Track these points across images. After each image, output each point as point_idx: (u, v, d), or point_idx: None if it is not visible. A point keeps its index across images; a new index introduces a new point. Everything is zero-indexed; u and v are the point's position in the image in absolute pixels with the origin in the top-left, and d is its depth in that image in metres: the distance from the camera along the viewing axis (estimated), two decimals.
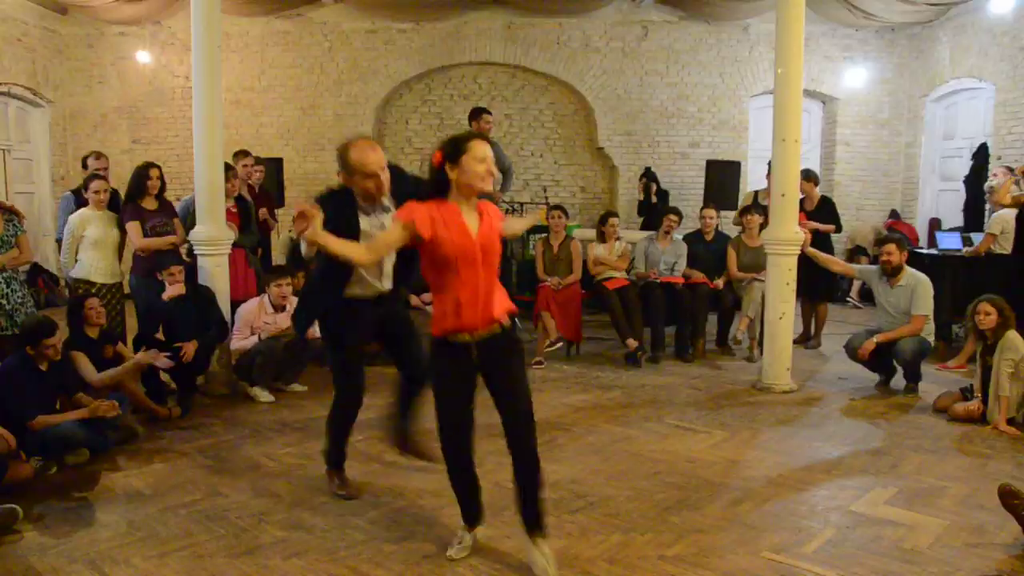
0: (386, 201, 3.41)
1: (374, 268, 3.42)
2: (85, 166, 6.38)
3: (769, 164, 8.27)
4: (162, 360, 4.99)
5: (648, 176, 9.89)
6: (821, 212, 7.23)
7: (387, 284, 3.55)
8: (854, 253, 9.89)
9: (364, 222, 3.37)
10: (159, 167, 5.70)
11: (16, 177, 9.60)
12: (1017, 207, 6.49)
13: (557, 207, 7.04)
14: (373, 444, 4.44)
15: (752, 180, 10.04)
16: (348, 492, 3.70)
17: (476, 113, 7.15)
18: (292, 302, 5.73)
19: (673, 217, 7.09)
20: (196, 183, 5.58)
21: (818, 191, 7.36)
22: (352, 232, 3.23)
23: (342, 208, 3.31)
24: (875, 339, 5.62)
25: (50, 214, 9.79)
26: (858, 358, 5.77)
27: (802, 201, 7.19)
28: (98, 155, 6.35)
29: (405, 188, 3.32)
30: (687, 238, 7.23)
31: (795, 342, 7.33)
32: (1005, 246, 6.77)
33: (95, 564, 3.01)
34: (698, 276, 6.94)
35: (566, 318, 6.61)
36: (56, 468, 4.02)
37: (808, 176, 7.05)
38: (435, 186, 2.83)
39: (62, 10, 9.92)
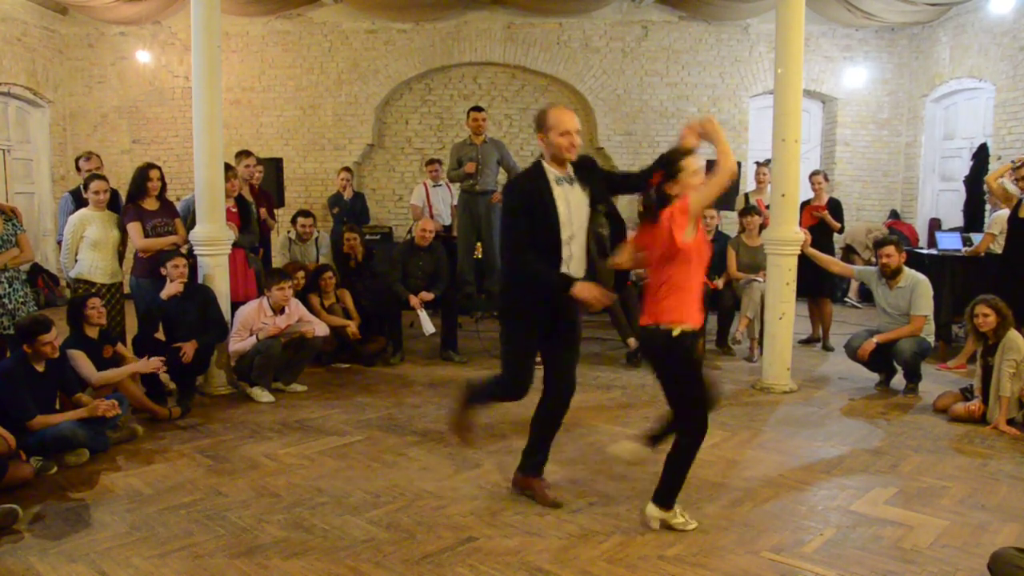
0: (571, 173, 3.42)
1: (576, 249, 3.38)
2: (78, 168, 6.36)
3: (757, 164, 8.38)
4: (160, 368, 5.00)
5: None
6: (828, 212, 7.48)
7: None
8: (846, 252, 9.87)
9: (557, 191, 3.35)
10: (159, 168, 5.68)
11: (16, 177, 9.61)
12: (1008, 203, 6.48)
13: None
14: (374, 443, 4.46)
15: (751, 181, 10.01)
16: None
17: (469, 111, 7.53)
18: (292, 305, 5.73)
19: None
20: (196, 183, 5.57)
21: (826, 193, 7.65)
22: (550, 203, 3.30)
23: (534, 182, 3.35)
24: (875, 339, 5.62)
25: (50, 214, 9.81)
26: (858, 358, 5.76)
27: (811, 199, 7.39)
28: (89, 156, 6.30)
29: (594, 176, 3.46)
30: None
31: (803, 342, 7.37)
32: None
33: (95, 564, 3.00)
34: None
35: None
36: (56, 468, 4.02)
37: (820, 174, 7.61)
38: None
39: (62, 10, 9.94)
